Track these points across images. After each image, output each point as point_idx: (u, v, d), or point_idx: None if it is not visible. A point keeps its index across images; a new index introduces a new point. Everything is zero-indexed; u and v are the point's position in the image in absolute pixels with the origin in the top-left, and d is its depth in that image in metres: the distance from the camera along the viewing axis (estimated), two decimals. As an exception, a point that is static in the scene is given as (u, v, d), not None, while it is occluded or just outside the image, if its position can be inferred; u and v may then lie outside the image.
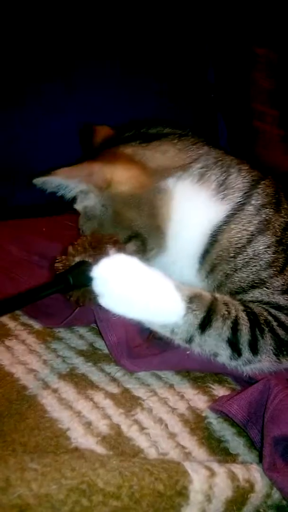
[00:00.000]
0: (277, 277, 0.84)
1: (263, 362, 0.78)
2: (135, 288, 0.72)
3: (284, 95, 1.42)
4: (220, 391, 0.78)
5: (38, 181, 0.89)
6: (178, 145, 0.90)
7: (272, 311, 0.81)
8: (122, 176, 0.86)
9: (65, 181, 0.88)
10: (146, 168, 0.87)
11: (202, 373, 0.81)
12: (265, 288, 0.83)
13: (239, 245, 0.85)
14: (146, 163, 0.88)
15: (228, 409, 0.70)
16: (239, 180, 0.88)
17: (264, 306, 0.82)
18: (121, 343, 0.78)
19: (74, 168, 0.88)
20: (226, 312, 0.77)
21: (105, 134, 1.00)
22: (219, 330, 0.75)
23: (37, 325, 0.87)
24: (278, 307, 0.82)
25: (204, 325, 0.75)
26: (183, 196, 0.86)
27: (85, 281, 0.73)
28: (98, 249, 0.78)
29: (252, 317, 0.78)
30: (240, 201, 0.86)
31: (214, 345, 0.75)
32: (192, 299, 0.75)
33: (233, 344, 0.75)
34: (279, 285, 0.84)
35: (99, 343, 0.84)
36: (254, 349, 0.76)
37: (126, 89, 1.39)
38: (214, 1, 1.51)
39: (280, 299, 0.83)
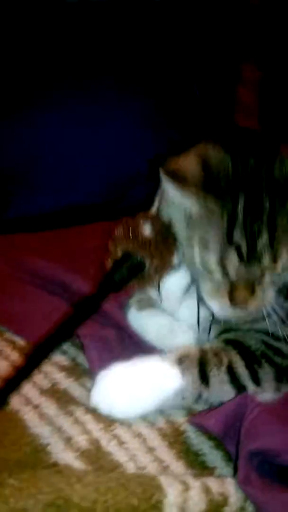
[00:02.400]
0: None
1: (267, 392, 0.78)
2: (137, 392, 0.74)
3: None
4: (199, 406, 0.79)
5: None
6: None
7: (271, 341, 0.81)
8: None
9: None
10: None
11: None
12: None
13: None
14: None
15: (206, 422, 0.72)
16: None
17: (263, 337, 0.81)
18: (101, 360, 0.80)
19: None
20: (218, 362, 0.77)
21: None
22: (219, 379, 0.76)
23: (21, 341, 0.89)
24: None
25: (203, 378, 0.76)
26: None
27: (134, 271, 0.76)
28: (131, 234, 0.78)
29: (246, 354, 0.79)
30: None
31: (221, 392, 0.77)
32: (180, 360, 0.76)
33: (237, 385, 0.77)
34: None
35: (81, 358, 0.85)
36: (256, 380, 0.77)
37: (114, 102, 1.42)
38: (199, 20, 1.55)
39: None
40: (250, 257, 0.74)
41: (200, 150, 0.79)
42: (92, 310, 0.75)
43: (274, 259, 0.74)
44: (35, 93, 1.37)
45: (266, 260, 0.74)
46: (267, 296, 0.77)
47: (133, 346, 0.86)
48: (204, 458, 0.72)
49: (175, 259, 0.81)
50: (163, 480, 0.62)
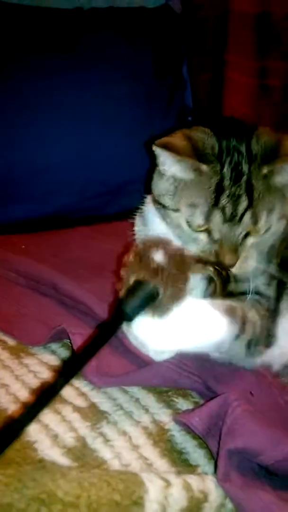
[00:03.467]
0: None
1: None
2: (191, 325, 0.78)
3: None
4: (184, 404, 0.81)
5: None
6: None
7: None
8: None
9: None
10: None
11: (167, 387, 0.84)
12: None
13: None
14: None
15: (189, 421, 0.74)
16: None
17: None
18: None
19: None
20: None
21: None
22: (249, 335, 0.82)
23: (11, 341, 0.91)
24: None
25: (242, 332, 0.81)
26: None
27: (146, 300, 0.74)
28: (143, 262, 0.76)
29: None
30: None
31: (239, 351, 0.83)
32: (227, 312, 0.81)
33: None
34: None
35: (70, 359, 0.87)
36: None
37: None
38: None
39: None
40: (233, 219, 0.81)
41: (183, 131, 0.88)
42: (104, 341, 0.72)
43: (255, 221, 0.81)
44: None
45: (247, 221, 0.81)
46: (251, 260, 0.84)
47: (123, 347, 0.87)
48: (188, 457, 0.74)
49: (189, 286, 0.79)
50: (145, 477, 0.64)
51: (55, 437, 0.72)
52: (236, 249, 0.82)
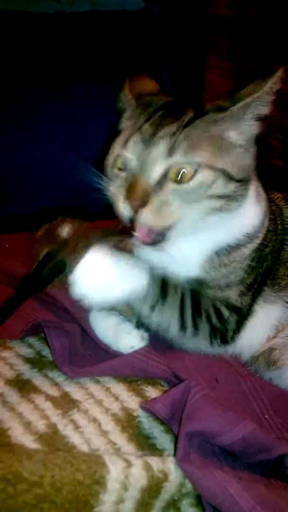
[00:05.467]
0: None
1: (201, 343, 0.91)
2: (111, 278, 0.83)
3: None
4: (153, 393, 0.85)
5: None
6: None
7: (219, 306, 0.91)
8: None
9: None
10: None
11: (137, 377, 0.88)
12: None
13: None
14: None
15: (153, 407, 0.78)
16: None
17: (214, 302, 0.91)
18: (64, 350, 0.87)
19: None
20: (175, 290, 0.88)
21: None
22: (173, 300, 0.87)
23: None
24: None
25: (162, 293, 0.86)
26: None
27: (56, 271, 0.81)
28: (52, 236, 0.84)
29: (196, 303, 0.89)
30: None
31: (170, 314, 0.87)
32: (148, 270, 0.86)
33: (181, 317, 0.88)
34: None
35: (46, 351, 0.91)
36: (195, 326, 0.88)
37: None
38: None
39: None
40: (149, 140, 0.79)
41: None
42: (13, 309, 0.81)
43: (171, 149, 0.77)
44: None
45: (164, 145, 0.78)
46: (171, 214, 0.79)
47: (94, 342, 0.92)
48: (155, 441, 0.78)
49: None
50: (107, 458, 0.68)
51: (27, 424, 0.76)
52: (148, 189, 0.78)
